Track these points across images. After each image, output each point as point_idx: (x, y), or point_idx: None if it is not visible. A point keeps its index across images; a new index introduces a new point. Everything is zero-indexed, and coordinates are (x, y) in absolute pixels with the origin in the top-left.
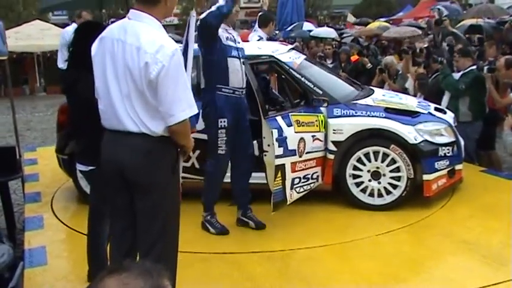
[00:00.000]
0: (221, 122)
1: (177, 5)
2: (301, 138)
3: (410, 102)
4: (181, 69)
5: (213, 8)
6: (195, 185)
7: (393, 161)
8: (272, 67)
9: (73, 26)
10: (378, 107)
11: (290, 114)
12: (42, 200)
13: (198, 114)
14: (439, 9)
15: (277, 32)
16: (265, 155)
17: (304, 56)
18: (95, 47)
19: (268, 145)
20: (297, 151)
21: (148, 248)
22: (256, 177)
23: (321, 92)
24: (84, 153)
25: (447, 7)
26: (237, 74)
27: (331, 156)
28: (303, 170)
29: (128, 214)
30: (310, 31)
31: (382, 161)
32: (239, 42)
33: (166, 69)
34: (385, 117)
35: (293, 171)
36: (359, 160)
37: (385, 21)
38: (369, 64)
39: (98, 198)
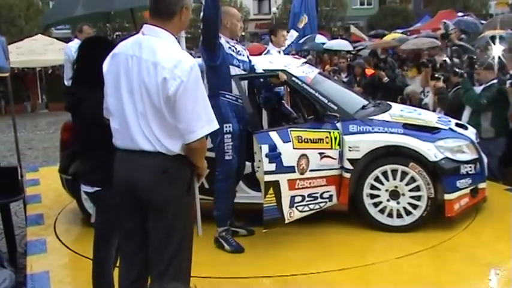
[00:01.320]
0: (226, 127)
1: None
2: (303, 155)
3: (430, 117)
4: (200, 84)
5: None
6: (204, 206)
7: (413, 180)
8: (285, 82)
9: (76, 42)
10: (396, 122)
11: (289, 129)
12: (45, 222)
13: None
14: (445, 23)
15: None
16: (257, 171)
17: (318, 70)
18: (107, 64)
19: (260, 160)
20: (296, 168)
21: (165, 267)
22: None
23: (335, 108)
24: (89, 173)
25: (463, 21)
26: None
27: (347, 175)
28: (306, 188)
29: (138, 236)
30: (323, 44)
31: (401, 180)
32: (243, 55)
33: (185, 85)
34: (403, 134)
35: (292, 188)
36: (377, 179)
37: (402, 33)
38: (386, 78)
39: (104, 222)
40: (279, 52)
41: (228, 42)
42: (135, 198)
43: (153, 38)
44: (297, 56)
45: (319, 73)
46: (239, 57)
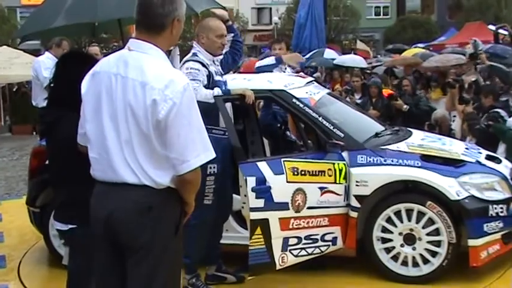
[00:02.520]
0: (210, 168)
1: None
2: (299, 190)
3: (456, 148)
4: (194, 106)
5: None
6: None
7: (431, 222)
8: (284, 104)
9: (47, 56)
10: (413, 153)
11: (283, 160)
12: (7, 265)
13: None
14: (475, 41)
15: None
16: (242, 207)
17: (327, 91)
18: (86, 84)
19: (245, 195)
20: (290, 205)
21: None
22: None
23: (341, 135)
24: (63, 208)
25: (495, 47)
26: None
27: (354, 214)
28: (303, 228)
29: (117, 282)
30: (333, 59)
31: (417, 222)
32: (223, 75)
33: (178, 108)
34: (420, 167)
35: (285, 228)
36: (389, 220)
37: (424, 48)
38: (405, 106)
39: (79, 265)
40: (285, 69)
41: (213, 64)
42: (115, 238)
43: (141, 54)
44: (302, 74)
45: (329, 94)
46: (223, 79)
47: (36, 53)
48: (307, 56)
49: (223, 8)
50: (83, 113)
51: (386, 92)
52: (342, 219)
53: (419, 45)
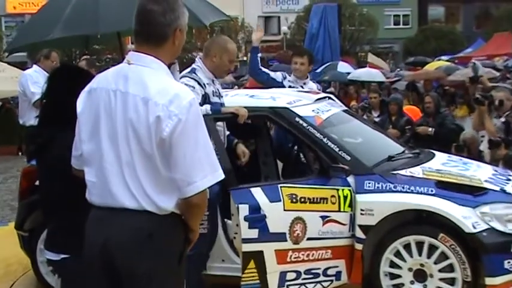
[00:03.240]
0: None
1: None
2: (298, 219)
3: (480, 174)
4: (201, 123)
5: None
6: None
7: (444, 257)
8: (286, 123)
9: (35, 69)
10: (427, 180)
11: (280, 185)
12: None
13: None
14: (474, 64)
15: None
16: (234, 238)
17: (341, 108)
18: (81, 102)
19: (237, 225)
20: (288, 235)
21: None
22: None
23: (348, 158)
24: (54, 236)
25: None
26: (220, 135)
27: (360, 247)
28: (303, 261)
29: None
30: (348, 73)
31: (429, 256)
32: (222, 96)
33: (184, 124)
34: (434, 195)
35: (282, 262)
36: (397, 254)
37: (449, 60)
38: (430, 129)
39: None
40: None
41: (211, 85)
42: (112, 268)
43: (142, 67)
44: (315, 90)
45: (345, 111)
46: (222, 101)
47: (22, 66)
48: (320, 69)
49: (231, 19)
50: (79, 134)
51: (410, 110)
52: (346, 251)
53: (443, 57)
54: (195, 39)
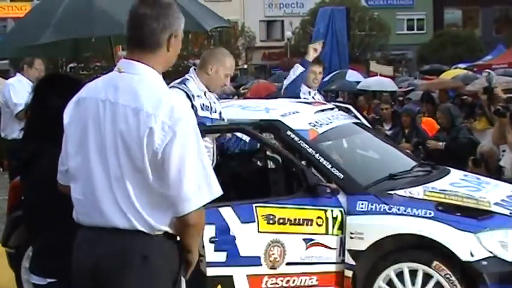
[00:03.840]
0: None
1: None
2: (276, 242)
3: (495, 194)
4: (196, 135)
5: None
6: None
7: (439, 286)
8: (276, 137)
9: (18, 79)
10: (427, 201)
11: (255, 205)
12: None
13: None
14: (489, 73)
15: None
16: (201, 261)
17: (350, 121)
18: (68, 113)
19: (203, 247)
20: (263, 259)
21: None
22: None
23: (340, 176)
24: (40, 258)
25: None
26: (208, 152)
27: (349, 273)
28: None
29: None
30: (357, 82)
31: (423, 286)
32: (215, 111)
33: (178, 137)
34: (431, 218)
35: None
36: (390, 283)
37: (466, 68)
38: (441, 143)
39: None
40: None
41: (202, 97)
42: None
43: (134, 76)
44: (320, 100)
45: (356, 123)
46: (213, 116)
47: (4, 74)
48: (327, 78)
49: (232, 26)
50: (65, 147)
51: (425, 122)
52: (335, 278)
53: (460, 65)
54: (191, 46)
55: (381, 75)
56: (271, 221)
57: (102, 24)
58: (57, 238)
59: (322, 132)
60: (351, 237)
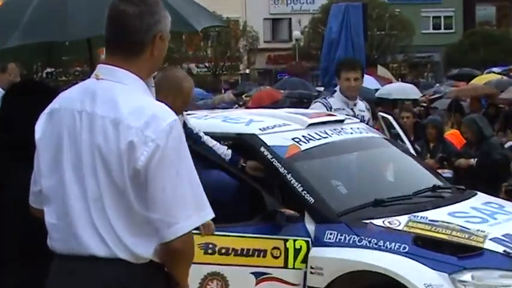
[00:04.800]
0: None
1: None
2: (214, 274)
3: (502, 227)
4: (184, 150)
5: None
6: None
7: None
8: (251, 153)
9: None
10: (406, 233)
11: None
12: None
13: None
14: None
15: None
16: None
17: (363, 135)
18: (41, 126)
19: None
20: None
21: None
22: None
23: (311, 201)
24: None
25: None
26: None
27: None
28: None
29: None
30: (376, 90)
31: None
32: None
33: (163, 152)
34: (405, 254)
35: None
36: None
37: (501, 73)
38: (471, 160)
39: None
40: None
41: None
42: None
43: (113, 83)
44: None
45: (375, 138)
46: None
47: None
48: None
49: (228, 25)
50: (38, 165)
51: (454, 136)
52: None
53: (494, 69)
54: (185, 48)
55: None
56: (210, 251)
57: (78, 24)
58: (27, 269)
59: (306, 149)
60: (311, 273)
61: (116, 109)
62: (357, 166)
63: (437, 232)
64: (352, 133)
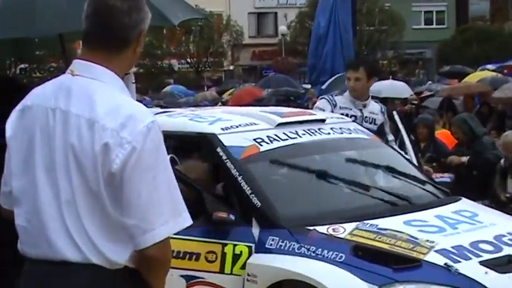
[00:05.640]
0: None
1: None
2: None
3: (459, 238)
4: (161, 154)
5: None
6: None
7: None
8: (208, 154)
9: None
10: (346, 242)
11: None
12: None
13: None
14: None
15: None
16: None
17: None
18: (11, 125)
19: None
20: None
21: None
22: None
23: (258, 204)
24: None
25: None
26: None
27: None
28: None
29: None
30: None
31: None
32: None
33: (139, 155)
34: (340, 263)
35: None
36: None
37: (495, 70)
38: (464, 158)
39: None
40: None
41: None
42: None
43: (90, 80)
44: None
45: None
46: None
47: None
48: (328, 82)
49: (206, 18)
50: (8, 165)
51: (442, 134)
52: None
53: (488, 66)
54: (166, 43)
55: None
56: None
57: (48, 20)
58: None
59: (266, 150)
60: (247, 280)
61: (91, 108)
62: (323, 169)
63: (381, 241)
64: (330, 133)
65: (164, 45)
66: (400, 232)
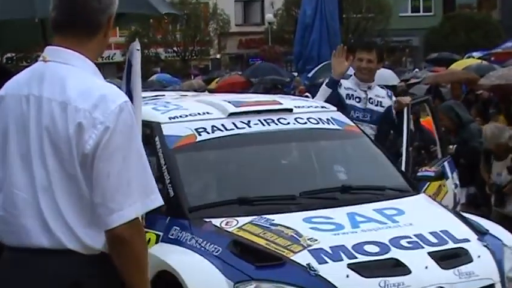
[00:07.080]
0: None
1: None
2: None
3: (343, 237)
4: (134, 134)
5: None
6: None
7: None
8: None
9: None
10: (229, 235)
11: None
12: None
13: None
14: None
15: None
16: None
17: (308, 126)
18: None
19: None
20: None
21: None
22: None
23: (171, 194)
24: None
25: None
26: None
27: None
28: None
29: None
30: (351, 75)
31: None
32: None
33: (111, 134)
34: (214, 257)
35: None
36: None
37: (482, 58)
38: (451, 146)
39: None
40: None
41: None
42: None
43: (62, 65)
44: (308, 94)
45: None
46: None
47: None
48: (315, 70)
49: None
50: None
51: (428, 122)
52: None
53: (474, 54)
54: (153, 32)
55: None
56: None
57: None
58: None
59: (202, 140)
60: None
61: (63, 91)
62: (256, 160)
63: (262, 237)
64: (289, 124)
65: (151, 34)
66: (289, 228)
